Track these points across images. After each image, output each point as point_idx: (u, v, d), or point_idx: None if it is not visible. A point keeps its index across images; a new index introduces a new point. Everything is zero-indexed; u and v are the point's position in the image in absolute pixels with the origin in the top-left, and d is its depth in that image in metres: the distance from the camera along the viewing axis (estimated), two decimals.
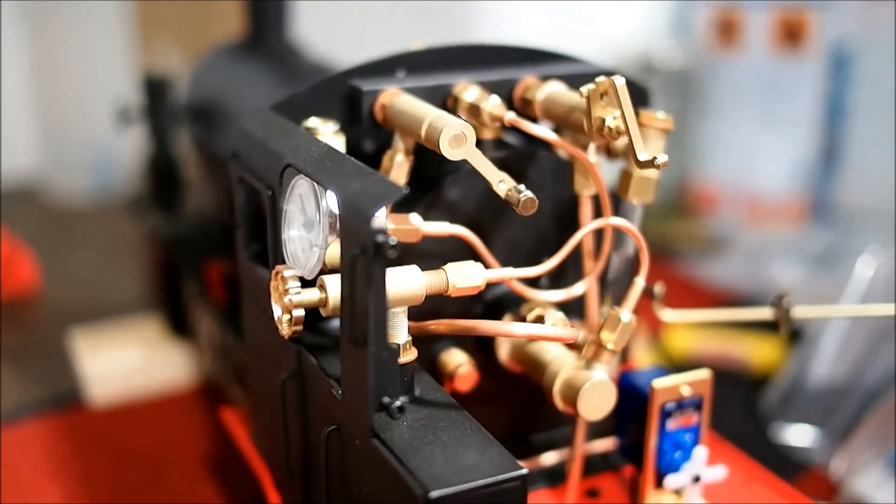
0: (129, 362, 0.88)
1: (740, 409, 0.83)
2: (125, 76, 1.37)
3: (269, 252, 0.49)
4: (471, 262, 0.46)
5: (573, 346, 0.52)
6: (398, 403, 0.42)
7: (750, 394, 0.87)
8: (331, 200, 0.44)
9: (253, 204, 0.54)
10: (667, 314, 0.57)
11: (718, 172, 1.19)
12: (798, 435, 0.79)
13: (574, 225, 0.53)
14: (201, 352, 0.84)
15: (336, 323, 0.51)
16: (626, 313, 0.48)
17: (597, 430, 0.57)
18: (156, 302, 0.92)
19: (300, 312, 0.42)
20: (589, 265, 0.53)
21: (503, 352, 0.53)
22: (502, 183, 0.47)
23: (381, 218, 0.39)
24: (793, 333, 0.91)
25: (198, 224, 0.85)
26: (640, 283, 0.49)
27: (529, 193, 0.46)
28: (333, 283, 0.43)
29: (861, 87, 1.11)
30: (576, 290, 0.51)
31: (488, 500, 0.39)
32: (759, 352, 0.89)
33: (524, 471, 0.40)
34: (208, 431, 0.82)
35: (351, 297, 0.41)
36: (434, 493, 0.38)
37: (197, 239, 0.85)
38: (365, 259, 0.39)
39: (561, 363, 0.50)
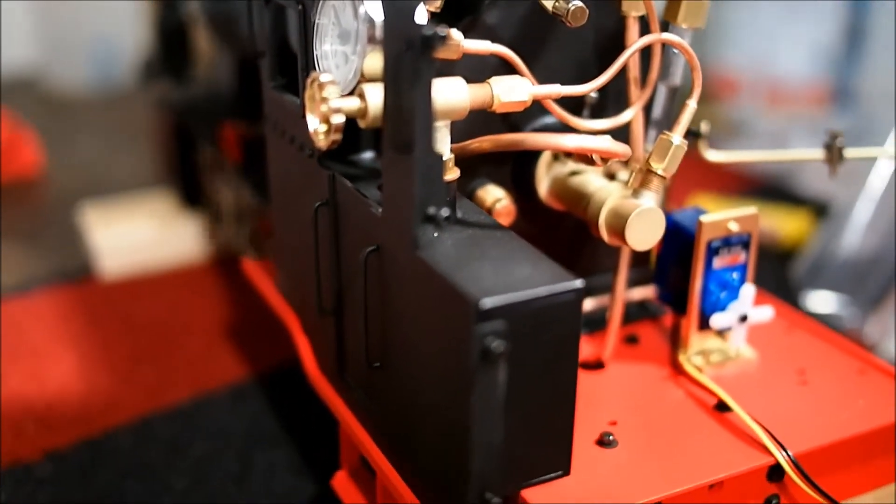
0: (140, 235, 0.85)
1: (770, 281, 0.81)
2: None
3: (300, 72, 0.46)
4: (516, 77, 0.43)
5: (613, 178, 0.50)
6: (445, 213, 0.40)
7: (779, 266, 0.85)
8: (369, 7, 0.41)
9: (277, 32, 0.51)
10: (712, 154, 0.54)
11: (739, 58, 1.16)
12: (828, 302, 0.77)
13: (615, 55, 0.50)
14: (215, 221, 0.81)
15: (367, 154, 0.49)
16: (677, 137, 0.46)
17: (636, 278, 0.55)
18: (166, 174, 0.89)
19: (340, 119, 0.40)
20: (635, 94, 0.50)
21: (542, 187, 0.51)
22: None
23: (425, 13, 0.37)
24: (819, 209, 0.89)
25: (211, 89, 0.82)
26: (692, 105, 0.46)
27: (579, 3, 0.43)
28: (374, 92, 0.40)
29: None
30: (623, 117, 0.48)
31: (543, 312, 0.37)
32: (787, 225, 0.87)
33: (579, 283, 0.38)
34: (223, 301, 0.80)
35: (395, 100, 0.38)
36: (487, 302, 0.36)
37: (210, 103, 0.82)
38: (412, 55, 0.36)
39: (606, 193, 0.47)
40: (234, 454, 0.61)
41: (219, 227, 0.81)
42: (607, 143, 0.43)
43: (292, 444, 0.62)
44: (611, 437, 0.45)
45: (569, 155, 0.47)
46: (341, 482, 0.51)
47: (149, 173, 1.08)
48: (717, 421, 0.47)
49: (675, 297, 0.53)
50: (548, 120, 0.51)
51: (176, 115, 0.82)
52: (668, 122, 0.52)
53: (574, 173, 0.50)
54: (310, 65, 0.45)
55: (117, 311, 0.79)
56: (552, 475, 0.41)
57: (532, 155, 0.51)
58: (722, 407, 0.48)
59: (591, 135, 0.44)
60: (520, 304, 0.36)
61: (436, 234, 0.39)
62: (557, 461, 0.41)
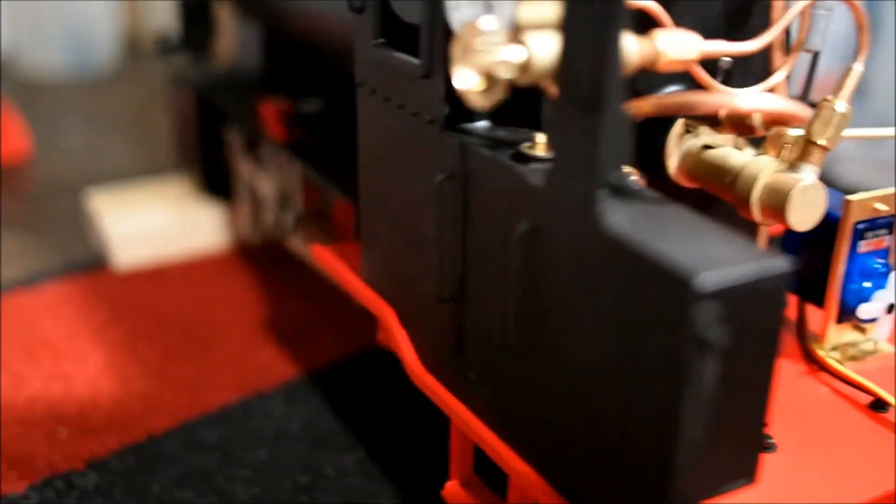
0: (156, 222, 0.79)
1: None
2: None
3: (426, 25, 0.40)
4: (683, 31, 0.38)
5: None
6: (633, 183, 0.34)
7: None
8: None
9: None
10: None
11: None
12: None
13: (763, 13, 0.45)
14: (250, 205, 0.75)
15: (480, 123, 0.43)
16: (841, 104, 0.41)
17: None
18: (183, 157, 0.83)
19: (508, 73, 0.34)
20: (779, 58, 0.45)
21: (673, 162, 0.46)
22: None
23: None
24: None
25: (236, 65, 0.75)
26: (858, 69, 0.42)
27: None
28: (541, 42, 0.35)
29: None
30: (775, 78, 0.44)
31: (754, 295, 0.32)
32: None
33: (786, 263, 0.33)
34: (257, 292, 0.74)
35: (579, 50, 0.33)
36: (706, 281, 0.30)
37: (237, 80, 0.75)
38: None
39: (757, 167, 0.43)
40: (297, 460, 0.55)
41: (258, 214, 0.75)
42: (792, 105, 0.38)
43: (359, 445, 0.57)
44: (770, 441, 0.40)
45: (712, 123, 0.42)
46: (454, 493, 0.45)
47: (147, 158, 1.01)
48: (876, 421, 0.42)
49: (803, 285, 0.48)
50: (672, 88, 0.46)
51: (197, 93, 0.76)
52: (807, 90, 0.47)
53: (707, 147, 0.45)
54: (437, 16, 0.40)
55: (139, 305, 0.72)
56: (739, 483, 0.36)
57: (657, 126, 0.46)
58: (879, 406, 0.43)
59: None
60: (737, 285, 0.31)
61: (618, 206, 0.34)
62: (745, 467, 0.36)
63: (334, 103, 0.69)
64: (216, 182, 0.79)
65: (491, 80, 0.35)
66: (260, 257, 0.80)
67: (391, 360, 0.64)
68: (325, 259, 0.53)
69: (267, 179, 0.70)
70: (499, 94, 0.35)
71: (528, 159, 0.38)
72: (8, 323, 0.69)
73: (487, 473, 0.47)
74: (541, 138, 0.39)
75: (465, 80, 0.36)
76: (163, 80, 0.97)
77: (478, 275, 0.41)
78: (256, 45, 0.75)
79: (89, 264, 0.79)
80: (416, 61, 0.42)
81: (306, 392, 0.62)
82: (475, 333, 0.42)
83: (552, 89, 0.35)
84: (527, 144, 0.39)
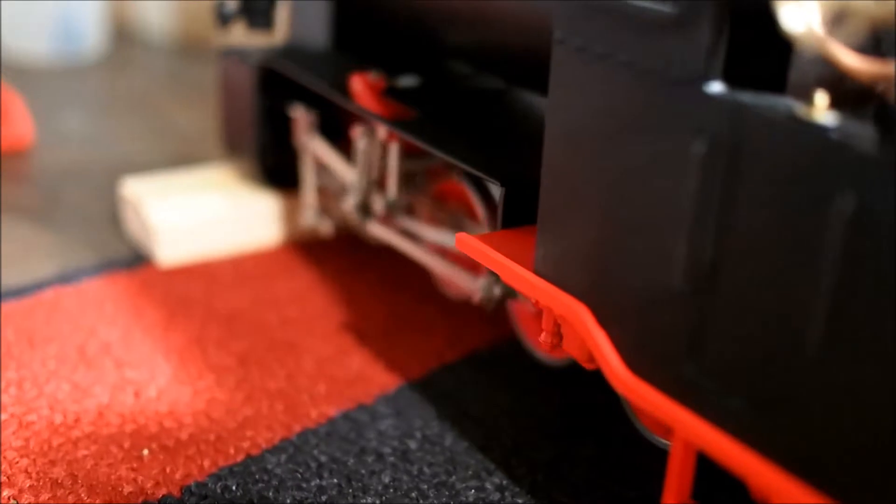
0: (207, 213, 0.70)
1: None
2: None
3: None
4: None
5: None
6: None
7: None
8: None
9: None
10: None
11: None
12: None
13: None
14: (311, 196, 0.67)
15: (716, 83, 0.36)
16: None
17: None
18: (232, 144, 0.74)
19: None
20: None
21: None
22: None
23: None
24: None
25: (297, 36, 0.67)
26: None
27: None
28: None
29: None
30: None
31: None
32: None
33: None
34: (331, 290, 0.66)
35: None
36: None
37: (304, 54, 0.67)
38: None
39: None
40: (427, 484, 0.48)
41: (317, 201, 0.67)
42: None
43: (499, 465, 0.49)
44: None
45: None
46: None
47: (159, 145, 0.92)
48: None
49: None
50: None
51: (257, 67, 0.68)
52: None
53: None
54: None
55: (195, 304, 0.64)
56: None
57: None
58: None
59: None
60: None
61: None
62: None
63: (430, 79, 0.62)
64: (274, 169, 0.70)
65: (844, 16, 0.28)
66: (328, 250, 0.72)
67: (512, 363, 0.56)
68: (478, 251, 0.46)
69: (348, 162, 0.62)
70: (855, 33, 0.28)
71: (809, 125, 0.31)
72: (51, 323, 0.60)
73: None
74: (821, 100, 0.32)
75: (802, 17, 0.29)
76: (154, 67, 0.89)
77: (739, 261, 0.34)
78: (325, 15, 0.67)
79: (129, 259, 0.70)
80: (664, 7, 0.35)
81: (414, 402, 0.54)
82: (723, 333, 0.35)
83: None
84: (800, 108, 0.32)
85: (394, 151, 0.58)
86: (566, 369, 0.56)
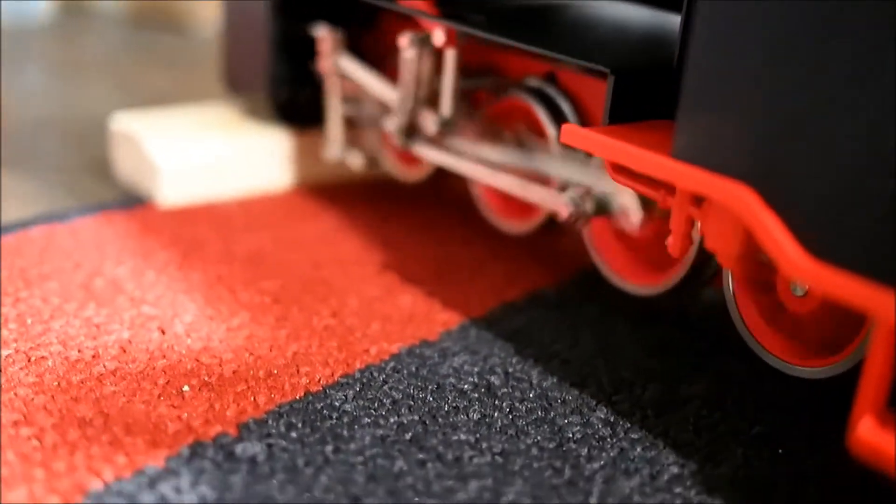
0: (212, 152, 0.62)
1: None
2: None
3: None
4: None
5: None
6: None
7: None
8: None
9: None
10: None
11: None
12: None
13: None
14: (337, 128, 0.60)
15: None
16: None
17: None
18: (236, 80, 0.66)
19: None
20: None
21: None
22: None
23: None
24: None
25: None
26: None
27: None
28: None
29: None
30: None
31: None
32: None
33: None
34: (369, 237, 0.59)
35: None
36: None
37: None
38: None
39: None
40: (526, 421, 0.41)
41: (344, 134, 0.60)
42: None
43: (602, 398, 0.42)
44: None
45: None
46: (873, 434, 0.32)
47: (136, 103, 0.84)
48: None
49: None
50: None
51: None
52: None
53: None
54: None
55: (212, 245, 0.56)
56: None
57: None
58: None
59: None
60: None
61: None
62: None
63: None
64: (289, 103, 0.63)
65: None
66: (351, 194, 0.64)
67: (586, 301, 0.49)
68: (595, 141, 0.39)
69: (387, 81, 0.55)
70: None
71: None
72: (46, 260, 0.52)
73: None
74: None
75: None
76: (108, 35, 0.81)
77: None
78: None
79: (123, 201, 0.62)
80: None
81: (484, 340, 0.47)
82: None
83: None
84: None
85: (451, 60, 0.51)
86: (646, 305, 0.50)
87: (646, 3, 0.57)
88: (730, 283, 0.42)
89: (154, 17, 1.20)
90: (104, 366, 0.42)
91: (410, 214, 0.62)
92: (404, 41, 0.52)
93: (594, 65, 0.42)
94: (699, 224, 0.38)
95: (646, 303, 0.49)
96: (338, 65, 0.58)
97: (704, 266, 0.45)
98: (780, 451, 0.40)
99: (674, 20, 0.54)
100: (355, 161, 0.60)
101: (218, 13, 0.68)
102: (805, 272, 0.33)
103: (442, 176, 0.59)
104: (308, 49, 0.61)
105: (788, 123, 0.33)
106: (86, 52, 1.04)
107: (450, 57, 0.51)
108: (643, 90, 0.42)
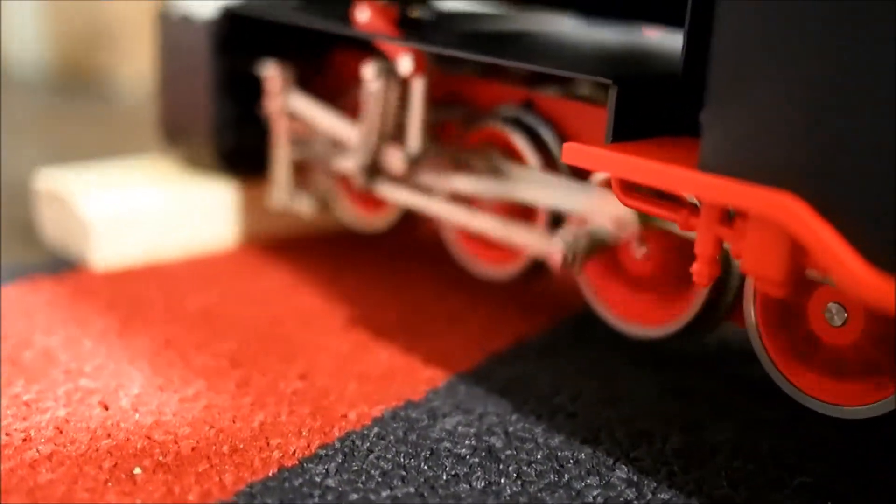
0: (148, 208, 0.56)
1: None
2: None
3: None
4: None
5: None
6: None
7: None
8: None
9: None
10: None
11: None
12: None
13: None
14: (287, 173, 0.54)
15: None
16: None
17: None
18: (174, 130, 0.60)
19: None
20: None
21: None
22: None
23: None
24: None
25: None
26: None
27: None
28: None
29: None
30: None
31: None
32: None
33: None
34: (328, 290, 0.53)
35: None
36: None
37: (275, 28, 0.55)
38: None
39: None
40: (547, 486, 0.35)
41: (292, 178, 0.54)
42: None
43: (620, 454, 0.37)
44: None
45: None
46: None
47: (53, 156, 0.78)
48: None
49: None
50: None
51: (211, 25, 0.55)
52: None
53: None
54: None
55: (156, 305, 0.50)
56: None
57: None
58: None
59: None
60: None
61: None
62: None
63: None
64: (234, 152, 0.57)
65: None
66: (302, 248, 0.59)
67: (579, 347, 0.43)
68: (603, 159, 0.34)
69: (345, 117, 0.50)
70: None
71: None
72: None
73: None
74: None
75: None
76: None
77: None
78: None
79: (50, 264, 0.55)
80: None
81: (475, 396, 0.42)
82: None
83: None
84: None
85: (419, 90, 0.46)
86: (650, 345, 0.45)
87: (616, 20, 0.54)
88: (752, 315, 0.38)
89: (77, 79, 1.14)
90: (38, 450, 0.36)
91: (371, 265, 0.57)
92: (369, 71, 0.47)
93: (595, 76, 0.37)
94: (729, 245, 0.33)
95: (648, 343, 0.44)
96: (287, 104, 0.53)
97: (720, 299, 0.40)
98: (830, 503, 0.35)
99: (643, 37, 0.51)
100: (304, 205, 0.54)
101: (146, 67, 0.62)
102: (876, 290, 0.28)
103: (405, 221, 0.54)
104: (253, 89, 0.56)
105: (841, 116, 0.28)
106: (5, 116, 0.97)
107: (417, 86, 0.46)
108: (646, 104, 0.38)
